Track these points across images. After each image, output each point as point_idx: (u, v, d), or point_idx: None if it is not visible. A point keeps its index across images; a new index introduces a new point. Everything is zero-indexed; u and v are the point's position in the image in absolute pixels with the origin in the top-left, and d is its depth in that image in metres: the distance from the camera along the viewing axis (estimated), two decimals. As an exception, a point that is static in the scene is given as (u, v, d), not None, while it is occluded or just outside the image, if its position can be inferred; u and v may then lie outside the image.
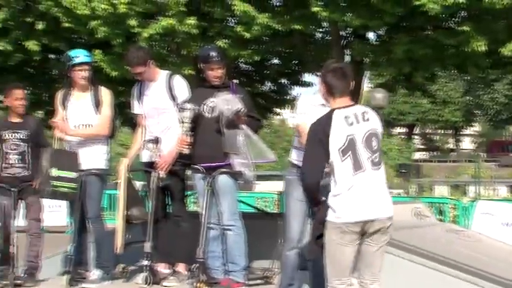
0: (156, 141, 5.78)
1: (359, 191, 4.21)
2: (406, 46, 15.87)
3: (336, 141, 4.26)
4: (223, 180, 5.55)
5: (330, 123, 4.29)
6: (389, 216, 4.31)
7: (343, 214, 4.19)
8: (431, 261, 5.50)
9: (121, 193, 5.78)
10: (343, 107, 4.36)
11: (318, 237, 4.32)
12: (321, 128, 4.31)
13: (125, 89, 20.93)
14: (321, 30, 21.13)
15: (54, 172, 5.73)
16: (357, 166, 4.23)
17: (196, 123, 5.60)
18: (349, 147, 4.25)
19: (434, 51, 16.17)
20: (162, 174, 5.74)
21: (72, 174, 5.77)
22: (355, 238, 4.22)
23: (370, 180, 4.25)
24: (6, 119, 6.33)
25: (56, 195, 5.82)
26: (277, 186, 7.06)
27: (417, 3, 13.62)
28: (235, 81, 5.96)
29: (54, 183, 5.72)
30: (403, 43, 15.96)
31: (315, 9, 15.87)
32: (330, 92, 4.42)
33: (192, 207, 9.46)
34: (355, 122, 4.31)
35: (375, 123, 4.38)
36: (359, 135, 4.29)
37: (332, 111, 4.36)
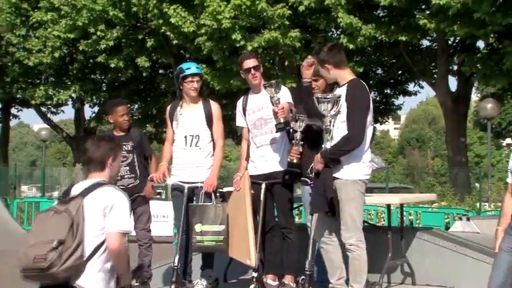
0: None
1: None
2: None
3: (371, 108, 4.98)
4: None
5: (367, 89, 4.98)
6: None
7: (368, 171, 5.04)
8: None
9: (248, 204, 5.75)
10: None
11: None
12: (369, 96, 4.99)
13: (227, 102, 21.44)
14: (427, 39, 20.71)
15: (199, 228, 5.76)
16: None
17: (306, 134, 5.58)
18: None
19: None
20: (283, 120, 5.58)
21: (216, 228, 5.77)
22: None
23: None
24: (111, 133, 6.53)
25: (201, 248, 5.87)
26: (380, 199, 6.92)
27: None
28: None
29: (199, 238, 5.78)
30: (512, 53, 15.38)
31: (421, 22, 15.53)
32: (338, 65, 5.02)
33: (296, 220, 9.38)
34: None
35: None
36: None
37: (359, 80, 5.00)
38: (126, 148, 6.31)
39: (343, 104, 4.94)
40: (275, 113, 5.57)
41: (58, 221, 3.64)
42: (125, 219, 3.79)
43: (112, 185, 3.91)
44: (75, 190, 3.88)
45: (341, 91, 5.00)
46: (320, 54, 5.06)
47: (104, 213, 3.75)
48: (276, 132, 5.72)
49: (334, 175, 4.99)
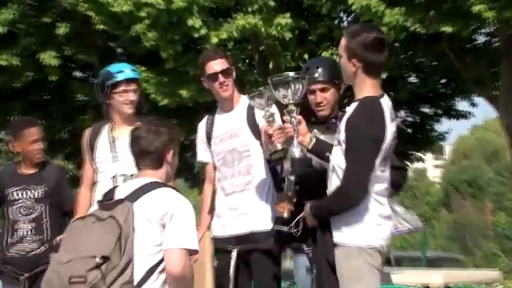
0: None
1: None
2: None
3: (387, 142, 4.71)
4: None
5: (383, 114, 4.72)
6: None
7: (384, 234, 4.85)
8: None
9: (208, 281, 5.86)
10: (382, 95, 4.83)
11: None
12: (381, 124, 4.73)
13: (178, 121, 21.37)
14: (484, 32, 20.97)
15: None
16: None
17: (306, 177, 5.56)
18: (388, 152, 4.75)
19: None
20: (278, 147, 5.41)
21: None
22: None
23: None
24: (15, 169, 6.47)
25: None
26: (415, 277, 6.94)
27: None
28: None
29: None
30: None
31: (476, 7, 15.76)
32: (369, 70, 4.83)
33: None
34: (392, 119, 4.80)
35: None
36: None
37: (378, 98, 4.78)
38: (35, 195, 6.30)
39: (342, 132, 4.88)
40: (269, 136, 5.45)
41: (101, 230, 3.91)
42: (190, 232, 4.07)
43: (170, 186, 4.20)
44: (121, 192, 4.15)
45: (349, 109, 4.94)
46: (354, 40, 4.90)
47: (162, 223, 4.02)
48: (269, 164, 5.77)
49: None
